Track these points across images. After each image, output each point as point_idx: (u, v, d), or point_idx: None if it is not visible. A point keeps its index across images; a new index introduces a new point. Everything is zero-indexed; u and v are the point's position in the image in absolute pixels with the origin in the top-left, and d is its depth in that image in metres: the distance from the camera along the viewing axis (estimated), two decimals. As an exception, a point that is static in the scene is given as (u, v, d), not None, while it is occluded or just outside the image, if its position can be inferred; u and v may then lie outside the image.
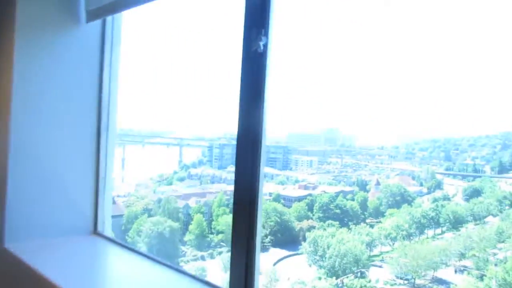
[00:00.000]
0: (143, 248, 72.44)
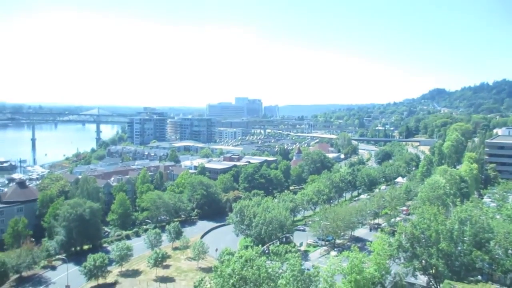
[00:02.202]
0: (61, 233, 69.82)
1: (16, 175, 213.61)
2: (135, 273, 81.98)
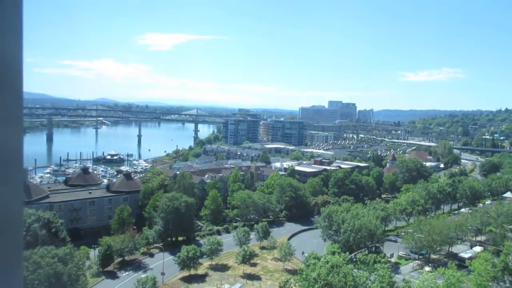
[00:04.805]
0: (159, 223, 76.04)
1: (124, 168, 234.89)
2: (223, 268, 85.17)
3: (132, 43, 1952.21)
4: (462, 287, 46.68)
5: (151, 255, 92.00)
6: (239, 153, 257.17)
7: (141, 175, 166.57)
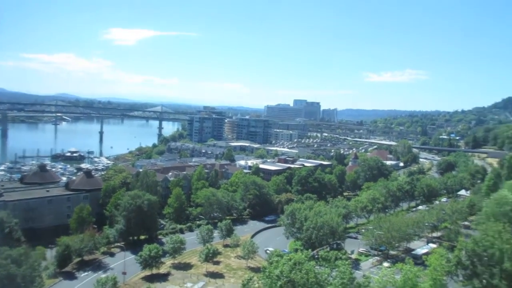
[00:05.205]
0: (121, 222, 74.27)
1: (84, 165, 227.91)
2: (186, 266, 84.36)
3: (95, 37, 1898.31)
4: (418, 282, 48.36)
5: (112, 255, 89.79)
6: (203, 151, 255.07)
7: (103, 173, 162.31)
